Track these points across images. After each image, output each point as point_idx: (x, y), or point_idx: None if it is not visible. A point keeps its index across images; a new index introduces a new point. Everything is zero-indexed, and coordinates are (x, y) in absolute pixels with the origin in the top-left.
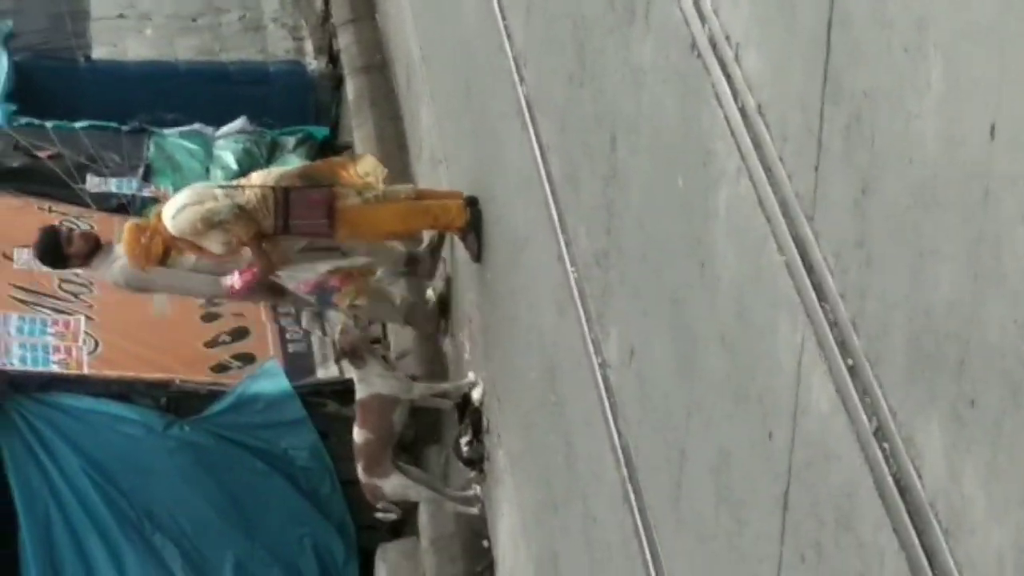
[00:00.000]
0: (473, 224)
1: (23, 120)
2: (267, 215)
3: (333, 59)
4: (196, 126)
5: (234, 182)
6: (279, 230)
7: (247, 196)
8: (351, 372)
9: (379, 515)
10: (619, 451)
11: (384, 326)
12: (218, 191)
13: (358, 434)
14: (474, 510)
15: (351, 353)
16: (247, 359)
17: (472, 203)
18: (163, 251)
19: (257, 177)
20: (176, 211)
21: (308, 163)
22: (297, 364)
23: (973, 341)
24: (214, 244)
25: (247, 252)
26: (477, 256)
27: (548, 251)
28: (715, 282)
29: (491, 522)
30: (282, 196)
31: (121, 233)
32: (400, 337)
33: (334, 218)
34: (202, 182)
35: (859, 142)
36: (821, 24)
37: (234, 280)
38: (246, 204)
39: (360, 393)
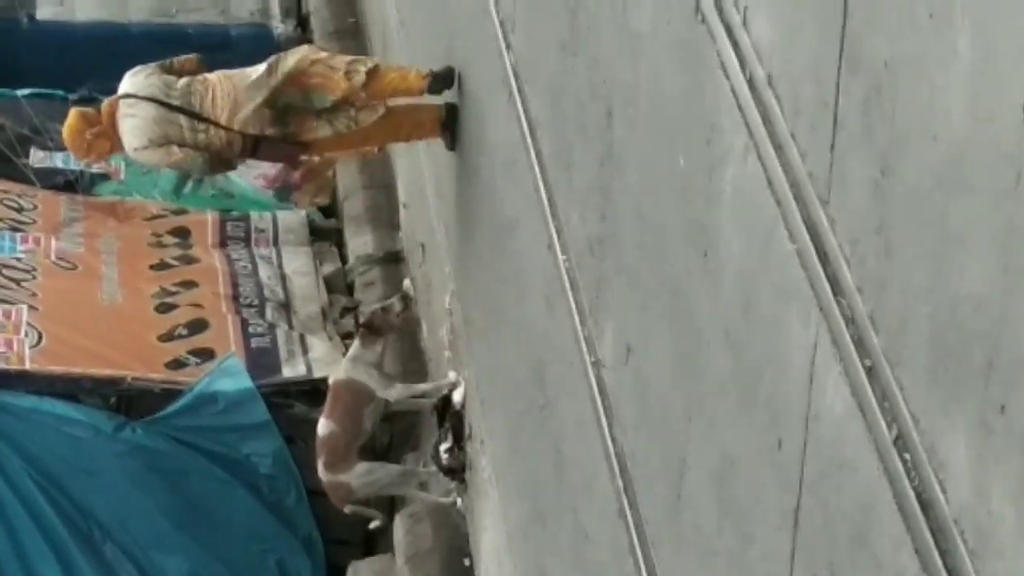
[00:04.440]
0: (449, 123)
1: None
2: (232, 155)
3: (302, 22)
4: None
5: (196, 94)
6: (244, 159)
7: (212, 135)
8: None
9: (371, 525)
10: (613, 459)
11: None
12: (183, 119)
13: (323, 425)
14: (449, 500)
15: (375, 329)
16: (205, 355)
17: (449, 111)
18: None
19: (222, 100)
20: (140, 146)
21: (278, 80)
22: (261, 361)
23: (1003, 340)
24: (156, 130)
25: None
26: (452, 146)
27: (537, 238)
28: (719, 273)
29: (473, 537)
30: (250, 145)
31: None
32: None
33: (299, 163)
34: (156, 66)
35: (879, 117)
36: None
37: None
38: (210, 144)
39: (336, 374)
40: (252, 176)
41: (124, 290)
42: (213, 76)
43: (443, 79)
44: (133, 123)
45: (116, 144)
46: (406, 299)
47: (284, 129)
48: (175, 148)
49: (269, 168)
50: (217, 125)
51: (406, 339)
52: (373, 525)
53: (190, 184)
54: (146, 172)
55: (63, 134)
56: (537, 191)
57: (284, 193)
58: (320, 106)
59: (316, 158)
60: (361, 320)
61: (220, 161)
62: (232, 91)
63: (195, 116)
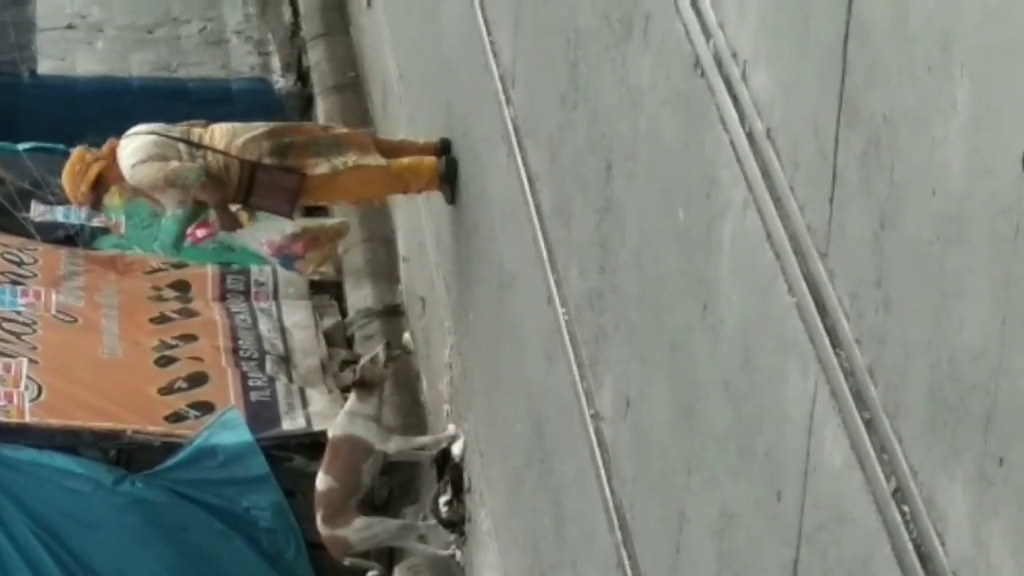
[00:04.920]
0: (448, 177)
1: None
2: (229, 183)
3: (302, 77)
4: None
5: (195, 134)
6: (237, 200)
7: (209, 159)
8: (333, 415)
9: (369, 574)
10: (612, 512)
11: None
12: (181, 146)
13: (321, 480)
14: (448, 553)
15: (367, 384)
16: (205, 408)
17: (445, 150)
18: (96, 181)
19: (221, 134)
20: (137, 161)
21: (277, 123)
22: (260, 414)
23: (1001, 392)
24: (170, 201)
25: None
26: (452, 199)
27: (536, 291)
28: (718, 326)
29: None
30: (247, 173)
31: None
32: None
33: (296, 204)
34: (160, 124)
35: (878, 170)
36: (837, 38)
37: (193, 232)
38: (208, 167)
39: (334, 430)
40: (256, 243)
41: (124, 343)
42: (215, 124)
43: (445, 149)
44: (133, 146)
45: (115, 174)
46: (390, 347)
47: (282, 160)
48: (172, 162)
49: (273, 235)
50: (214, 150)
51: (405, 393)
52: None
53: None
54: (146, 226)
55: (64, 173)
56: (536, 244)
57: (287, 263)
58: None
59: (314, 215)
60: (360, 371)
61: (216, 180)
62: (231, 128)
63: (193, 144)
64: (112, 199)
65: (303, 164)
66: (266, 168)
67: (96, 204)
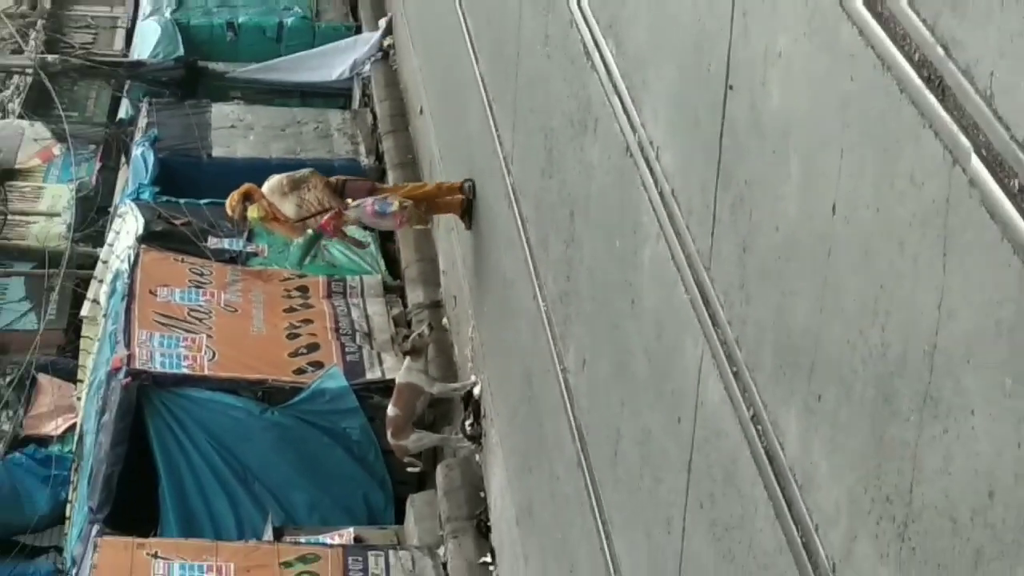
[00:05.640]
0: (467, 212)
1: (164, 198)
2: (331, 197)
3: (379, 157)
4: None
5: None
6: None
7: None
8: (400, 368)
9: (409, 469)
10: (575, 431)
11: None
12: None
13: (391, 409)
14: (470, 445)
15: (416, 350)
16: (318, 365)
17: (467, 204)
18: (244, 195)
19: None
20: (275, 183)
21: None
22: (352, 369)
23: (819, 355)
24: (288, 207)
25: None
26: (469, 226)
27: (526, 291)
28: (641, 313)
29: (486, 479)
30: (341, 184)
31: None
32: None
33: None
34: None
35: (741, 215)
36: (715, 133)
37: (327, 222)
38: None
39: (400, 378)
40: (360, 210)
41: (266, 325)
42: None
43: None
44: (278, 177)
45: (258, 194)
46: (431, 327)
47: None
48: (306, 196)
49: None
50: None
51: (444, 356)
52: (415, 470)
53: (308, 258)
54: (280, 251)
55: (227, 203)
56: (526, 262)
57: (384, 207)
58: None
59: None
60: (411, 343)
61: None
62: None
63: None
64: (252, 212)
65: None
66: (352, 179)
67: (242, 215)
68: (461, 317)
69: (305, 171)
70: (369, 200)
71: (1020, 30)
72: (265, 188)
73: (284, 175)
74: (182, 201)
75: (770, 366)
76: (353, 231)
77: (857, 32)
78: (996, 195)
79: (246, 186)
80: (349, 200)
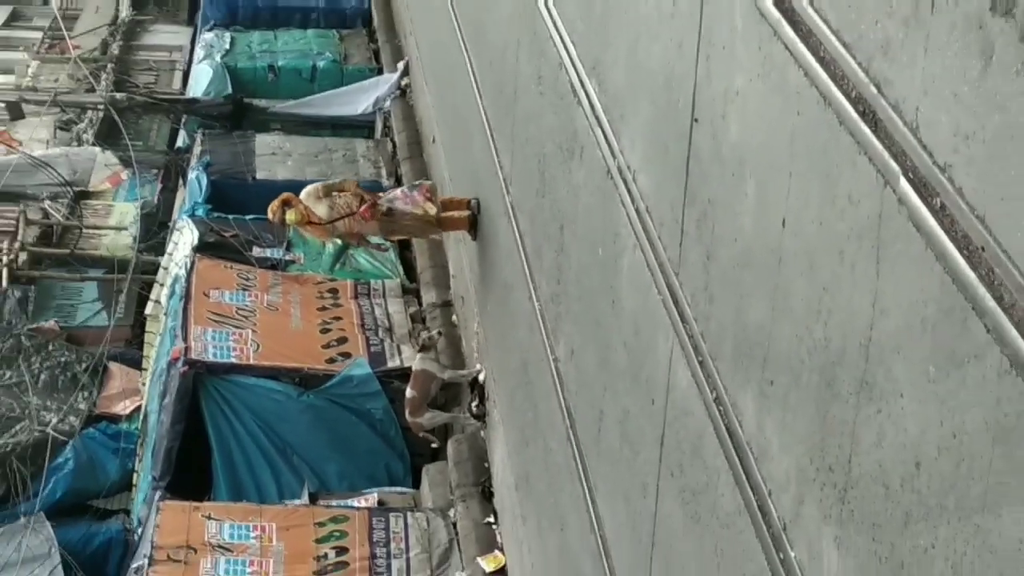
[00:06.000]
0: (473, 226)
1: (215, 214)
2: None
3: (398, 179)
4: None
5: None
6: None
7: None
8: (416, 358)
9: (431, 444)
10: (565, 411)
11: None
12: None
13: (408, 392)
14: (475, 423)
15: (428, 346)
16: (346, 355)
17: (473, 220)
18: (283, 201)
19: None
20: (312, 189)
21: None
22: (376, 359)
23: (771, 347)
24: (321, 209)
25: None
26: (475, 237)
27: (523, 294)
28: (621, 312)
29: (490, 452)
30: (370, 197)
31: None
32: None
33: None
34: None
35: (705, 229)
36: (683, 159)
37: (363, 212)
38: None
39: (416, 366)
40: (393, 193)
41: (303, 321)
42: None
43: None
44: (313, 185)
45: (295, 200)
46: (440, 333)
47: None
48: (338, 200)
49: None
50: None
51: (453, 346)
52: (435, 445)
53: (338, 265)
54: (314, 258)
55: (269, 209)
56: (523, 269)
57: (412, 187)
58: None
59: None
60: (422, 342)
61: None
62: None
63: (338, 187)
64: (290, 216)
65: None
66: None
67: (281, 219)
68: (468, 315)
69: (341, 179)
70: (398, 189)
71: (940, 73)
72: (302, 194)
73: (320, 183)
74: (231, 217)
75: (730, 356)
76: (375, 240)
77: (803, 74)
78: (921, 212)
79: (285, 194)
80: (380, 194)
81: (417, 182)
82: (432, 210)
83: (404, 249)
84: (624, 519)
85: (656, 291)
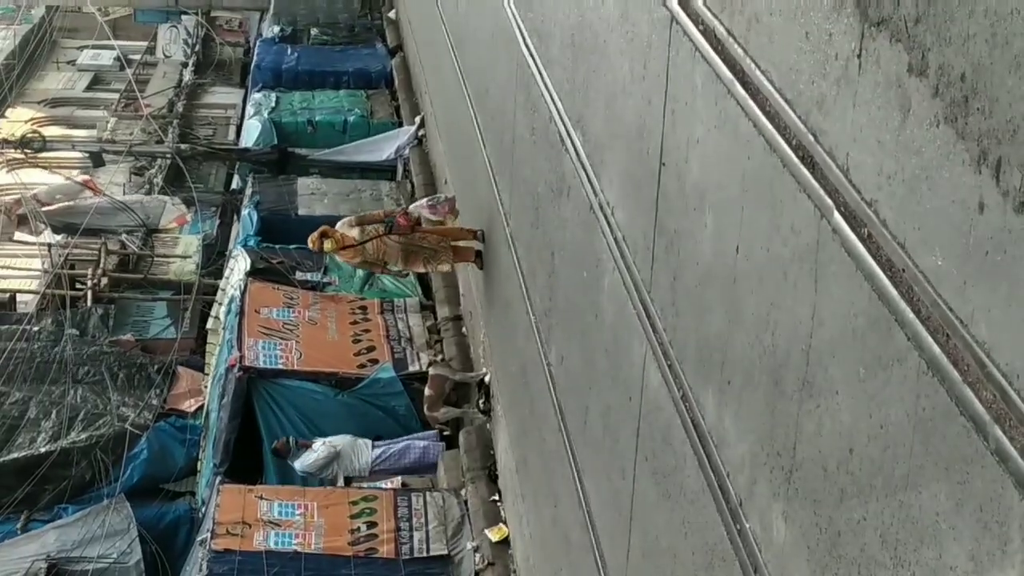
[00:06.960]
0: (479, 258)
1: (264, 245)
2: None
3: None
4: None
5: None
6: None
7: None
8: (432, 365)
9: (444, 434)
10: (556, 407)
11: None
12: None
13: (426, 391)
14: (482, 417)
15: (438, 362)
16: (374, 362)
17: (479, 252)
18: (322, 233)
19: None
20: (346, 221)
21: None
22: (399, 363)
23: (728, 353)
24: (354, 233)
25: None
26: (481, 266)
27: (520, 308)
28: (602, 323)
29: (495, 441)
30: (387, 229)
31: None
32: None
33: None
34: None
35: (672, 254)
36: (652, 196)
37: (399, 218)
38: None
39: (432, 370)
40: (420, 203)
41: (338, 334)
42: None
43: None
44: (344, 219)
45: (332, 230)
46: (449, 365)
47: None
48: (367, 227)
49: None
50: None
51: (463, 354)
52: (445, 434)
53: (366, 287)
54: (347, 281)
55: (309, 240)
56: (521, 287)
57: (434, 202)
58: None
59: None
60: (433, 360)
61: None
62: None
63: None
64: (327, 245)
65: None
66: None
67: (320, 247)
68: (475, 326)
69: (371, 212)
70: (423, 201)
71: (867, 124)
72: (339, 224)
73: (353, 216)
74: (277, 246)
75: (693, 360)
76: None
77: (752, 125)
78: (852, 240)
79: (323, 227)
80: (409, 207)
81: (443, 196)
82: (451, 221)
83: (422, 274)
84: (607, 496)
85: (632, 306)
